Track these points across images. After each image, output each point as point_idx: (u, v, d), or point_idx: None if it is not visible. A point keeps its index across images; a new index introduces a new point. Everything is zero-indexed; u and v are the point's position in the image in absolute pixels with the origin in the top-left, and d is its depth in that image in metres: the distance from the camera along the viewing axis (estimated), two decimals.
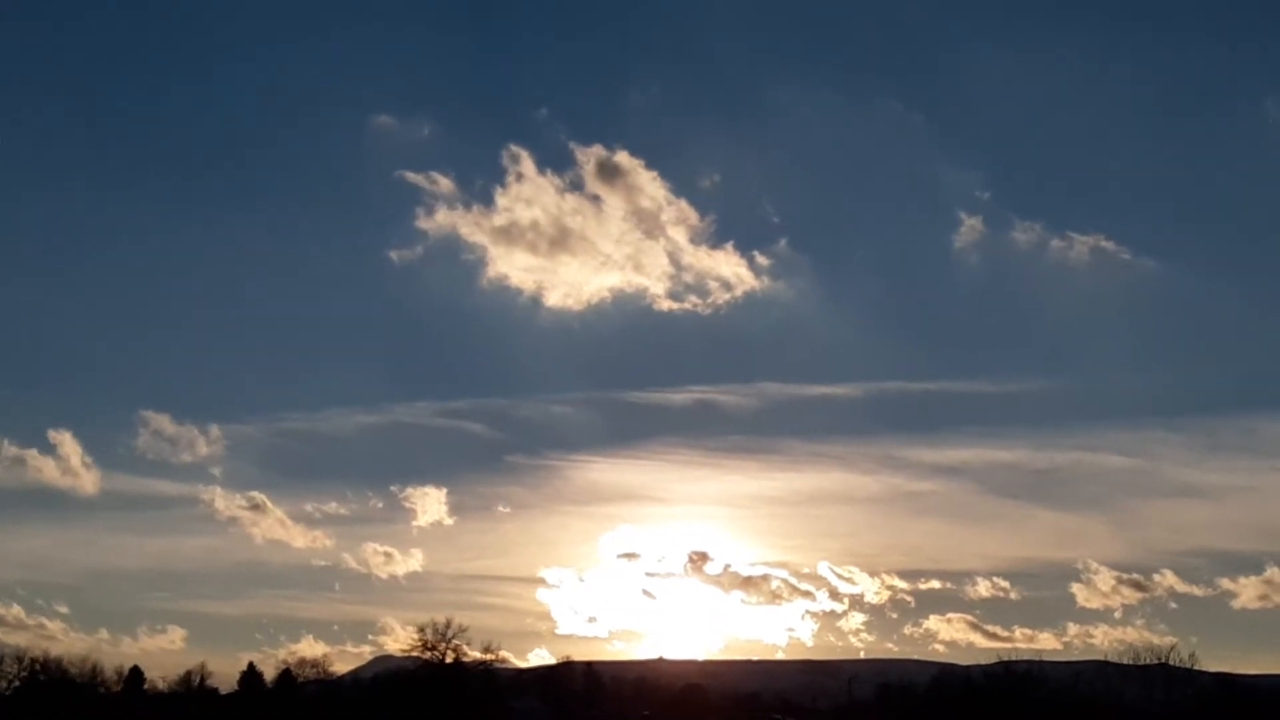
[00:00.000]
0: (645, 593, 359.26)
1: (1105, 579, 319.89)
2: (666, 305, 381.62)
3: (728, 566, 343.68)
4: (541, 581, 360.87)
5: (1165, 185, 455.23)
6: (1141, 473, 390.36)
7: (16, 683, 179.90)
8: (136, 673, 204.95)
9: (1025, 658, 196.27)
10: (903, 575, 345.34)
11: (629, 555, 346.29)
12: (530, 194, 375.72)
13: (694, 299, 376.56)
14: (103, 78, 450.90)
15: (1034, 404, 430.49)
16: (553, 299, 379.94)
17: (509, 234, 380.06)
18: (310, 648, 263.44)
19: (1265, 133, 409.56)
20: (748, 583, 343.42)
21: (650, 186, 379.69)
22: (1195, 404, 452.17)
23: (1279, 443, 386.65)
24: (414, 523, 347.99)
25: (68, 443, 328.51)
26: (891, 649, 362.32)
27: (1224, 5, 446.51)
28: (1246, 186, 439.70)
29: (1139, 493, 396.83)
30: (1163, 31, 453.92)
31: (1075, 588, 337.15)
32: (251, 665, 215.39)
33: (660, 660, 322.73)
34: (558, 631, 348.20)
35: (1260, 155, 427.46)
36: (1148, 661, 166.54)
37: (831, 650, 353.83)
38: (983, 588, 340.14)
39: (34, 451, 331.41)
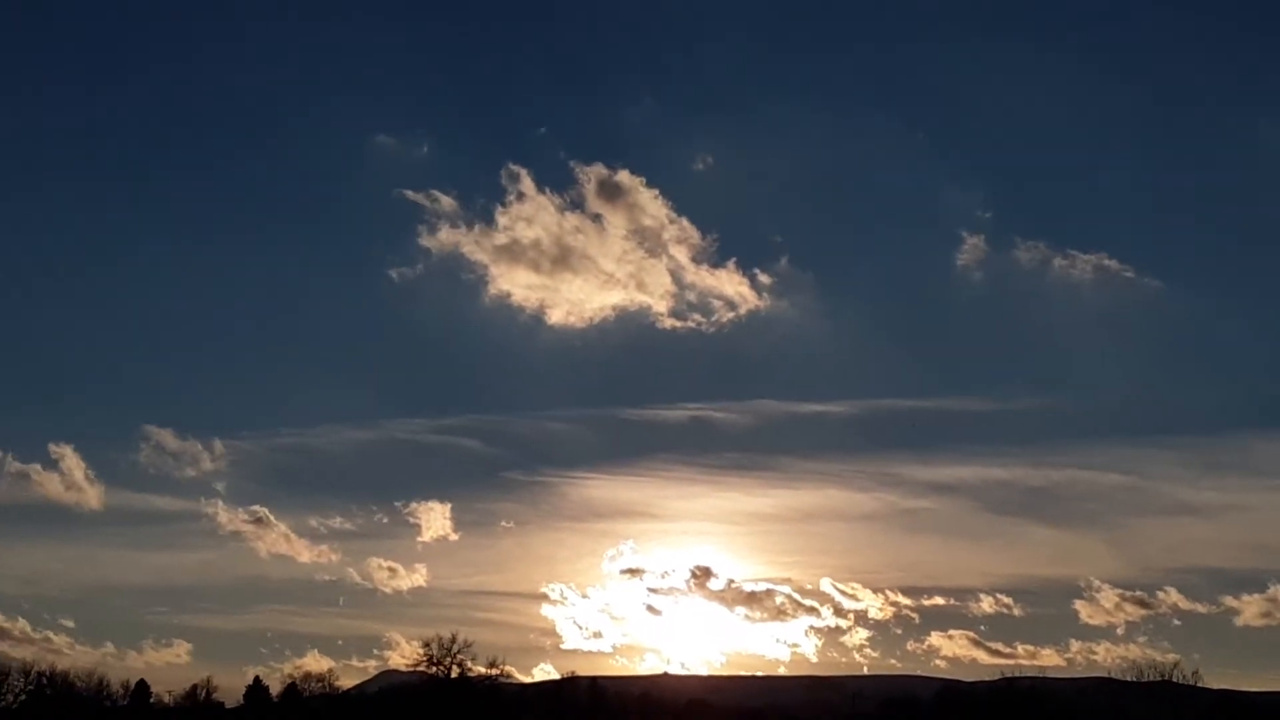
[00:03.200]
0: (649, 608, 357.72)
1: (1108, 596, 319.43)
2: (670, 324, 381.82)
3: (731, 582, 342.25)
4: (544, 597, 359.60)
5: (1169, 204, 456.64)
6: (1137, 491, 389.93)
7: (24, 696, 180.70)
8: (143, 686, 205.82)
9: (1029, 674, 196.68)
10: (905, 592, 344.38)
11: (632, 571, 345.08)
12: (530, 213, 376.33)
13: (697, 317, 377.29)
14: (108, 97, 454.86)
15: (1030, 422, 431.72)
16: (555, 317, 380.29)
17: (511, 252, 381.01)
18: (315, 662, 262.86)
19: (1268, 153, 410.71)
20: (751, 598, 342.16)
21: (651, 205, 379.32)
22: (1191, 422, 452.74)
23: (1274, 461, 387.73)
24: (419, 538, 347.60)
25: (71, 458, 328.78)
26: (895, 665, 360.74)
27: (1223, 25, 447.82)
28: (1247, 206, 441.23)
29: (1135, 511, 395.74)
30: (1164, 51, 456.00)
31: (1078, 604, 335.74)
32: (257, 679, 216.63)
33: (665, 676, 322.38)
34: (562, 647, 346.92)
35: (1262, 176, 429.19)
36: (1151, 679, 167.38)
37: (835, 666, 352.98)
38: (985, 604, 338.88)
39: (37, 466, 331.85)
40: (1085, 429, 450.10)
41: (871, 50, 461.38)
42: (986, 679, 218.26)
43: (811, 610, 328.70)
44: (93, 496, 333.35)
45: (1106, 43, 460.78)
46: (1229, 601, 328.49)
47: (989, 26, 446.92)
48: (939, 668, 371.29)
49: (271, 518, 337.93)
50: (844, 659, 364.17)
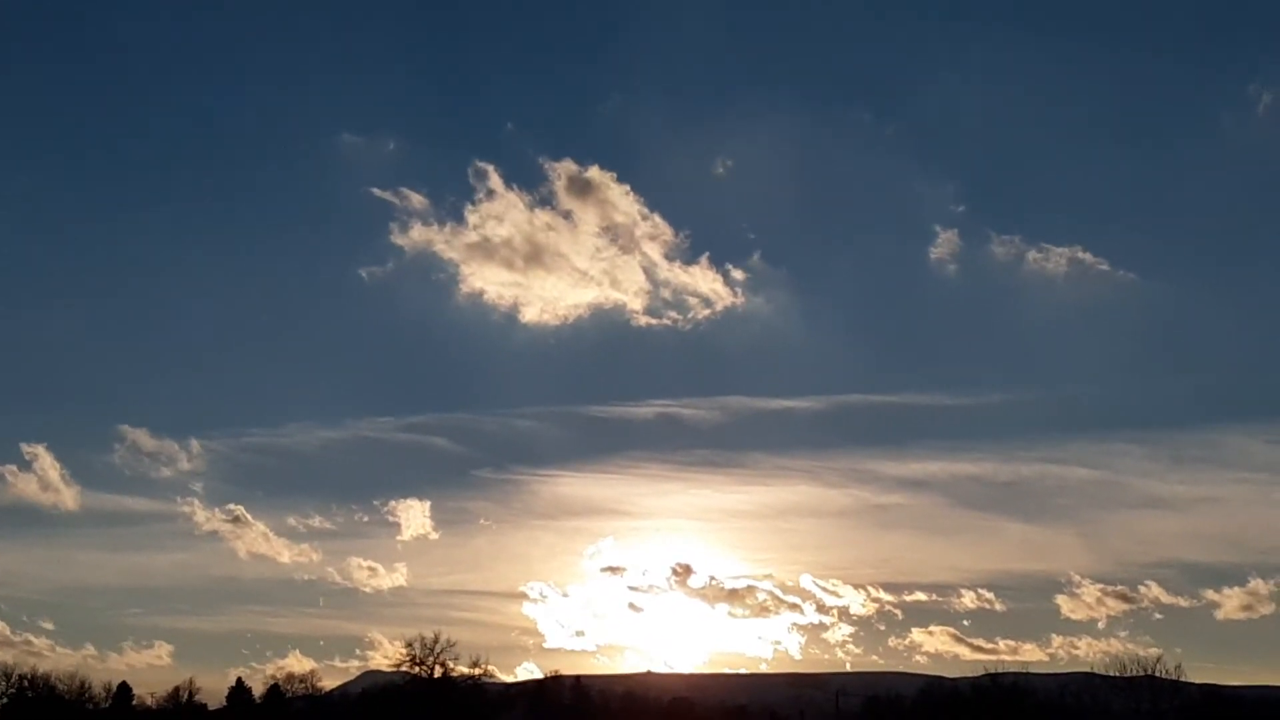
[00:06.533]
0: (631, 606, 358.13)
1: (1089, 591, 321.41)
2: (645, 321, 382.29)
3: (712, 579, 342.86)
4: (524, 596, 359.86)
5: (1143, 197, 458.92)
6: (1107, 485, 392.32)
7: (5, 699, 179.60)
8: (125, 689, 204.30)
9: (1011, 670, 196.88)
10: (885, 588, 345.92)
11: (613, 569, 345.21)
12: (500, 210, 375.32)
13: (673, 314, 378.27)
14: (73, 100, 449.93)
15: (1000, 416, 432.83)
16: (529, 315, 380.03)
17: (483, 250, 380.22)
18: (297, 663, 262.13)
19: (1241, 147, 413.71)
20: (733, 595, 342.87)
21: (623, 201, 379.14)
22: (1159, 416, 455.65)
23: (1241, 454, 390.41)
24: (398, 537, 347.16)
25: (45, 458, 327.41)
26: (877, 661, 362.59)
27: (1192, 19, 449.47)
28: (1220, 200, 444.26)
29: (1106, 505, 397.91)
30: (1140, 45, 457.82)
31: (1059, 599, 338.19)
32: (240, 681, 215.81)
33: (648, 674, 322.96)
34: (545, 646, 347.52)
35: (1235, 169, 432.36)
36: (1134, 673, 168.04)
37: (818, 663, 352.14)
38: (967, 600, 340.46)
39: (12, 468, 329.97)
40: (1053, 423, 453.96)
41: (843, 44, 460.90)
42: (969, 675, 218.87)
43: (794, 607, 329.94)
44: (68, 497, 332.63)
45: (1079, 35, 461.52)
46: (1209, 595, 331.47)
47: (960, 19, 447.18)
48: (921, 664, 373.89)
49: (249, 517, 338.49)
50: (826, 656, 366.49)
